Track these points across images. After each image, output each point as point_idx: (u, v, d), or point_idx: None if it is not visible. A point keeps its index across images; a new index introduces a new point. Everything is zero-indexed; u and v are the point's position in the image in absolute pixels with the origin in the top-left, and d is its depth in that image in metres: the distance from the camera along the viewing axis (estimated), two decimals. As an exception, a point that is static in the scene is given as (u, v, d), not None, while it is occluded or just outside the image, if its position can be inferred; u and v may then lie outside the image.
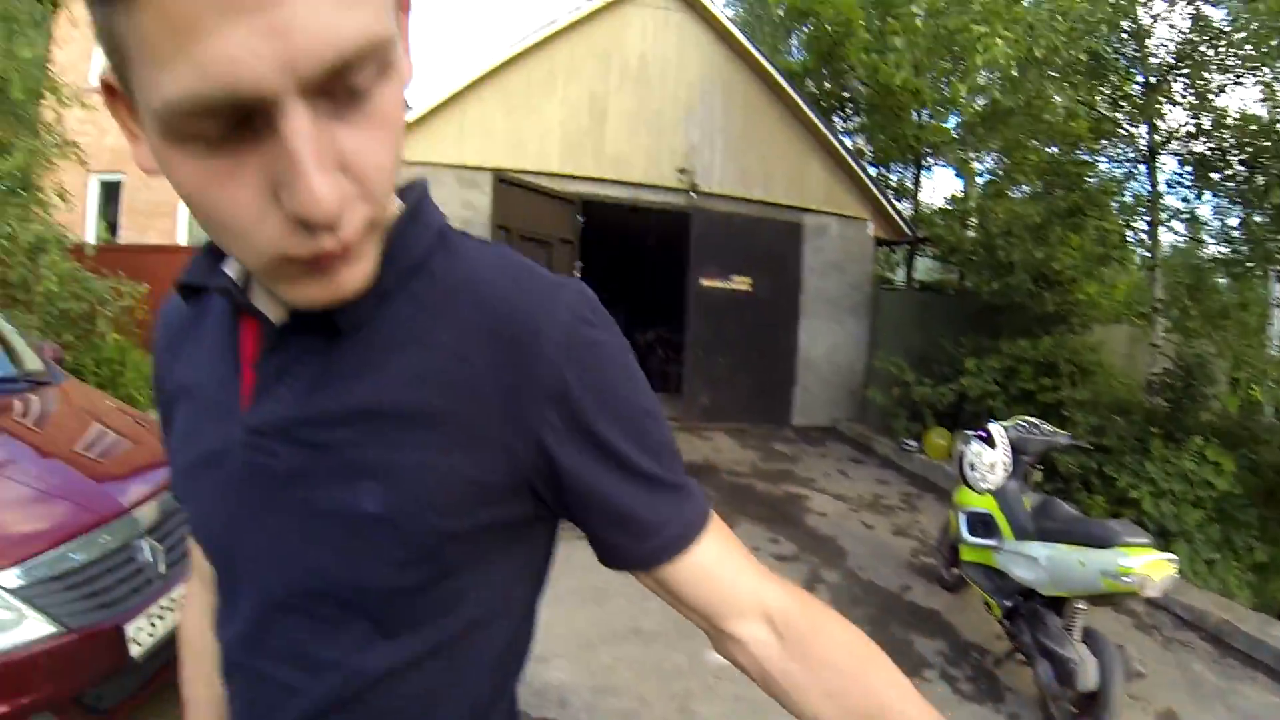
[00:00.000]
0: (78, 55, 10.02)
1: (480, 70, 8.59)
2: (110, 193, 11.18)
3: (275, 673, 0.63)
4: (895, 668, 0.65)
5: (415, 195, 0.63)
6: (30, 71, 6.26)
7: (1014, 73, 6.68)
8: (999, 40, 5.95)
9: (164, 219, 10.93)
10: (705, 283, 9.15)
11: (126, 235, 10.87)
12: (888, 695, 0.62)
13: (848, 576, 4.95)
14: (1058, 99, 6.68)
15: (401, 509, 0.56)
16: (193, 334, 0.69)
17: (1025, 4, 6.30)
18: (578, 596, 3.98)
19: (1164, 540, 5.21)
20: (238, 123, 0.42)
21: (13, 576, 1.97)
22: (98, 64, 10.30)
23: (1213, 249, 7.49)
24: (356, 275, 0.51)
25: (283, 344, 0.58)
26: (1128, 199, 7.83)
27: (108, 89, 0.50)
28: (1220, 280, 7.36)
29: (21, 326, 3.90)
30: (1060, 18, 6.02)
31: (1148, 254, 7.67)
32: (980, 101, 10.04)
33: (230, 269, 0.64)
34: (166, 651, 2.33)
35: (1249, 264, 6.80)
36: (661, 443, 0.63)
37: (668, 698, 3.36)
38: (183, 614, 0.88)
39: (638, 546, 0.63)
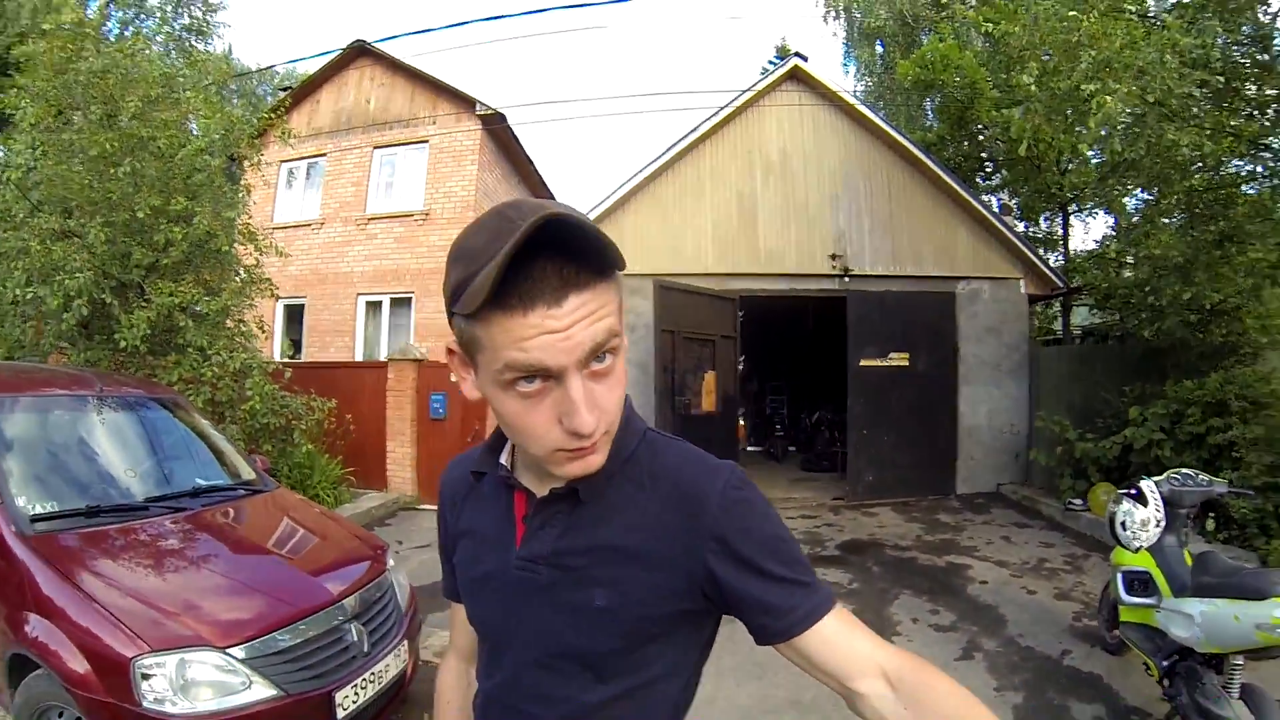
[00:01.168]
0: (262, 198, 11.99)
1: (633, 182, 9.93)
2: (292, 314, 13.05)
3: (525, 706, 1.06)
4: (994, 715, 0.91)
5: (626, 410, 1.02)
6: (231, 225, 7.81)
7: (1125, 124, 6.80)
8: (1109, 97, 6.14)
9: (343, 336, 12.67)
10: (864, 363, 10.03)
11: (309, 351, 12.64)
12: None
13: (1006, 644, 5.15)
14: (1181, 139, 6.67)
15: (619, 605, 0.99)
16: (473, 496, 1.15)
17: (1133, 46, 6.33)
18: (741, 672, 4.38)
19: None
20: (540, 378, 0.86)
21: (243, 650, 2.68)
22: (282, 206, 12.14)
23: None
24: (598, 460, 0.94)
25: (544, 508, 1.03)
26: None
27: (450, 352, 0.95)
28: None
29: (229, 439, 4.87)
30: (1169, 55, 6.11)
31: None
32: (1098, 156, 10.23)
33: (504, 460, 1.10)
34: (367, 715, 3.07)
35: None
36: (792, 556, 1.01)
37: None
38: (440, 672, 1.36)
39: (777, 624, 0.98)
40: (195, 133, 7.48)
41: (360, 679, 3.03)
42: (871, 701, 0.97)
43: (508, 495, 1.09)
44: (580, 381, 0.86)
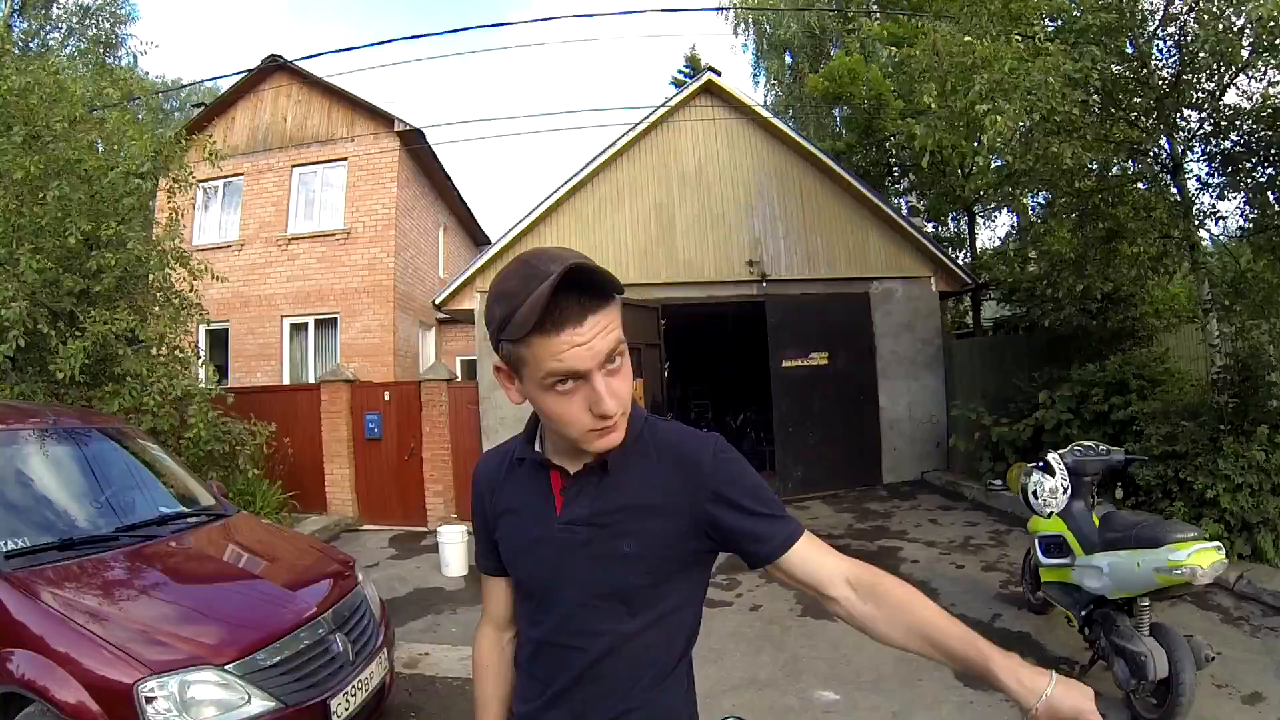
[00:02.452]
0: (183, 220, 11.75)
1: (553, 198, 10.17)
2: (217, 339, 12.74)
3: (571, 642, 1.31)
4: (934, 604, 1.26)
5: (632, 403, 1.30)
6: (164, 251, 7.65)
7: (1015, 138, 7.28)
8: (999, 117, 6.60)
9: (269, 360, 12.56)
10: (786, 364, 10.46)
11: (235, 376, 12.40)
12: (930, 615, 1.23)
13: None
14: (1064, 152, 7.01)
15: (643, 549, 1.27)
16: (510, 480, 1.40)
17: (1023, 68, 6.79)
18: (698, 659, 4.95)
19: (1248, 533, 5.83)
20: (573, 379, 1.13)
21: (239, 666, 2.79)
22: (200, 227, 11.77)
23: (1250, 238, 7.87)
24: (618, 436, 1.22)
25: (578, 480, 1.30)
26: (1160, 215, 8.07)
27: (498, 369, 1.23)
28: (1262, 267, 7.61)
29: (182, 467, 4.82)
30: (1052, 77, 6.59)
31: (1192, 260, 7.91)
32: (996, 164, 10.88)
33: (538, 447, 1.37)
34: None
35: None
36: (769, 498, 1.32)
37: None
38: (476, 641, 1.56)
39: (764, 549, 1.29)
40: (121, 155, 7.29)
41: (350, 686, 3.17)
42: (841, 603, 1.29)
43: (544, 475, 1.35)
44: (601, 378, 1.14)
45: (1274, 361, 6.58)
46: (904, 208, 15.04)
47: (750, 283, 10.44)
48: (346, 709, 3.11)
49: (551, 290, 1.05)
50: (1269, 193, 7.43)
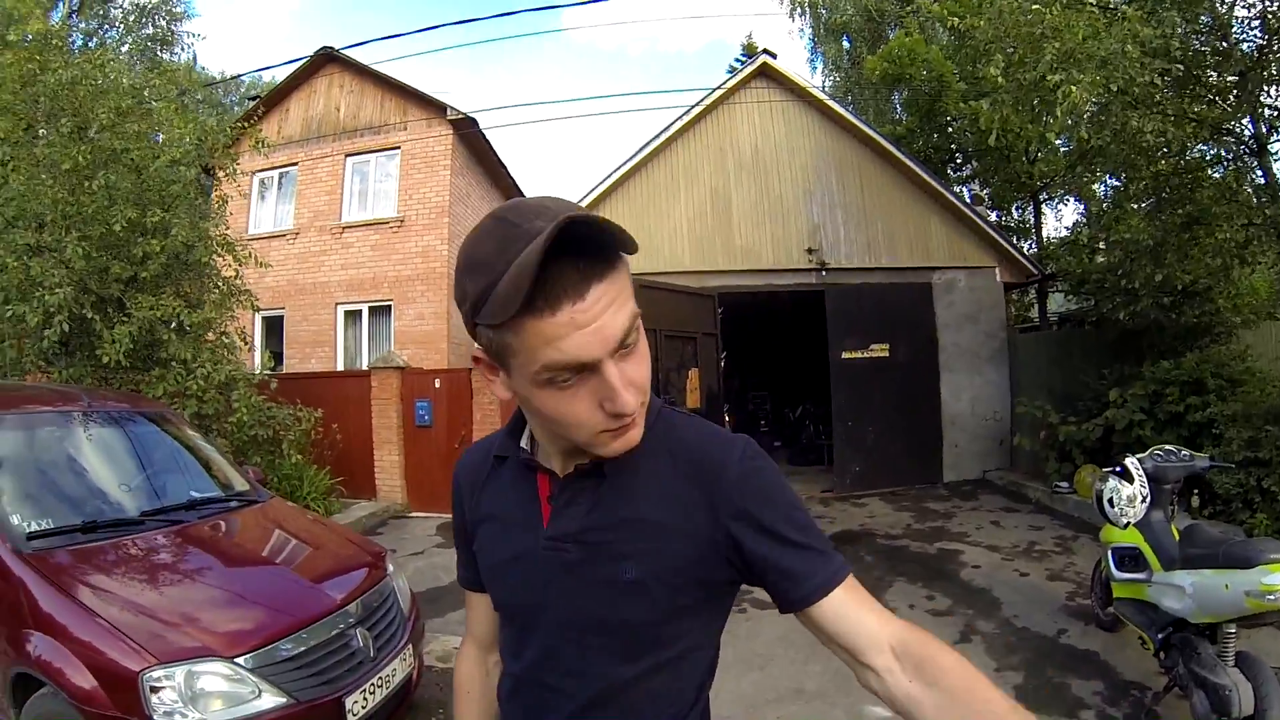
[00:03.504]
0: (237, 209, 11.88)
1: (606, 183, 10.00)
2: (271, 326, 12.95)
3: (555, 683, 1.08)
4: (1001, 693, 0.91)
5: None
6: (209, 237, 7.75)
7: (1091, 112, 6.97)
8: (1074, 88, 6.25)
9: (323, 346, 12.61)
10: (845, 355, 10.16)
11: (290, 363, 12.57)
12: (996, 710, 0.88)
13: (1002, 625, 5.22)
14: (1145, 126, 6.59)
15: (649, 576, 1.01)
16: (492, 481, 1.18)
17: (1095, 37, 6.43)
18: (743, 664, 4.43)
19: None
20: (578, 371, 0.88)
21: (250, 659, 2.68)
22: (256, 217, 12.03)
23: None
24: (638, 434, 0.98)
25: (569, 486, 1.06)
26: (1246, 197, 7.69)
27: (477, 360, 0.98)
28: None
29: (220, 451, 4.82)
30: (1130, 45, 6.21)
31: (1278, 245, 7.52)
32: (1064, 147, 10.41)
33: (524, 443, 1.14)
34: (377, 718, 3.07)
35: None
36: (806, 524, 1.04)
37: None
38: (458, 662, 1.37)
39: (797, 589, 1.01)
40: (167, 144, 7.33)
41: (369, 684, 3.03)
42: (881, 676, 0.98)
43: (531, 477, 1.11)
44: (615, 366, 0.90)
45: None
46: (967, 195, 14.50)
47: (809, 271, 10.20)
48: (363, 707, 2.99)
49: (542, 254, 0.79)
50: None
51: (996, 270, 10.71)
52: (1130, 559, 4.09)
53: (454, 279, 0.93)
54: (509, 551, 1.12)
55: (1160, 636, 3.75)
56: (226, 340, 7.92)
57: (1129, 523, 4.00)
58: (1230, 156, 7.75)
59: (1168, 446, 4.33)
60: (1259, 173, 7.48)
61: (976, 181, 15.25)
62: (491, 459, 1.18)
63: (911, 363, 10.30)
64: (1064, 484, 6.37)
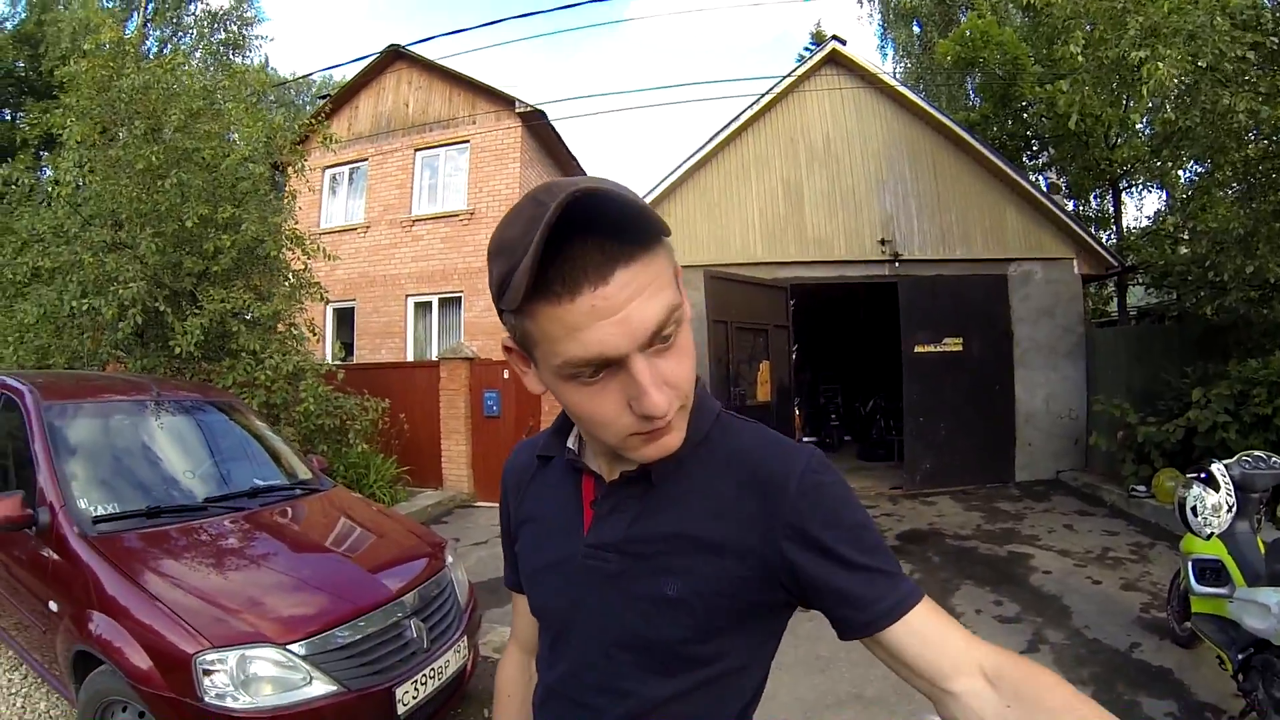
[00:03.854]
0: (308, 205, 12.20)
1: (676, 174, 9.94)
2: (342, 317, 13.33)
3: (587, 699, 1.02)
4: (1106, 712, 0.82)
5: (698, 389, 0.98)
6: (279, 231, 7.98)
7: (1177, 91, 6.63)
8: (1160, 64, 6.03)
9: (393, 337, 12.86)
10: (918, 349, 9.94)
11: (360, 353, 12.88)
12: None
13: (1072, 636, 5.06)
14: (1237, 104, 6.29)
15: (692, 594, 0.94)
16: (537, 482, 1.12)
17: (1180, 10, 6.16)
18: (803, 666, 4.33)
19: None
20: (604, 367, 0.81)
21: (303, 647, 2.70)
22: (327, 211, 12.38)
23: None
24: (675, 440, 0.90)
25: (613, 492, 1.00)
26: None
27: (508, 349, 0.92)
28: None
29: (285, 440, 4.94)
30: (1219, 17, 6.00)
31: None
32: (1148, 129, 9.97)
33: (571, 443, 1.07)
34: (426, 710, 3.08)
35: None
36: (874, 544, 0.94)
37: None
38: (501, 665, 1.33)
39: (860, 616, 0.91)
40: (238, 143, 7.62)
41: (420, 675, 3.05)
42: (968, 701, 0.89)
43: (575, 479, 1.06)
44: (645, 362, 0.82)
45: None
46: (1043, 184, 14.11)
47: (882, 262, 9.98)
48: (415, 697, 3.00)
49: (548, 230, 0.72)
50: None
51: (1074, 262, 10.32)
52: (1212, 572, 3.87)
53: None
54: (548, 557, 1.07)
55: (1240, 657, 3.54)
56: (295, 331, 8.17)
57: (1212, 533, 3.80)
58: None
59: (1257, 453, 4.07)
60: None
61: (1053, 169, 14.76)
62: (536, 458, 1.13)
63: (985, 357, 10.02)
64: (1141, 488, 6.09)
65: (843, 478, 1.00)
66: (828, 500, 0.94)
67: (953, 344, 9.96)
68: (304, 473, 4.37)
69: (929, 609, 0.94)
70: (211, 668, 2.56)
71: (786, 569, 0.93)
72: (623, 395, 0.83)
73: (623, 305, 0.78)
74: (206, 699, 2.53)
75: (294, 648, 2.70)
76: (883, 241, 9.91)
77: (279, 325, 7.99)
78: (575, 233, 0.75)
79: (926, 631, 0.92)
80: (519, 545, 1.15)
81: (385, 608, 3.08)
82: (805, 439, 14.08)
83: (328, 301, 10.36)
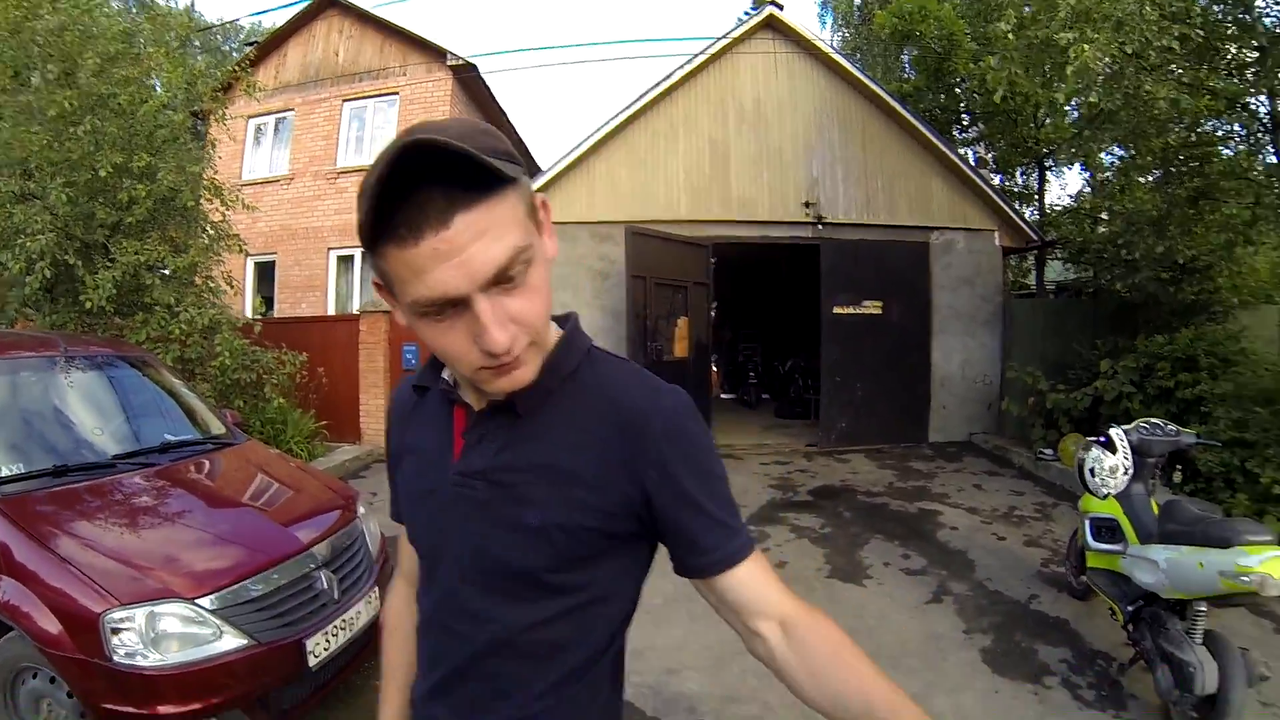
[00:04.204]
0: (230, 155, 11.82)
1: (605, 129, 9.88)
2: (263, 271, 13.00)
3: (456, 626, 1.06)
4: (872, 665, 0.96)
5: (570, 325, 1.07)
6: (197, 181, 7.74)
7: (1103, 75, 6.76)
8: (1085, 47, 6.12)
9: (314, 292, 12.63)
10: (837, 311, 10.11)
11: (281, 308, 12.62)
12: (857, 681, 0.94)
13: (975, 588, 5.26)
14: (1158, 93, 6.50)
15: (553, 525, 0.98)
16: (417, 413, 1.15)
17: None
18: (712, 617, 4.78)
19: None
20: (450, 306, 0.85)
21: (212, 601, 2.69)
22: (250, 162, 12.05)
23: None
24: (524, 374, 0.94)
25: (481, 422, 1.03)
26: (1257, 175, 7.68)
27: (377, 285, 0.94)
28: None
29: (199, 395, 4.84)
30: (1148, 7, 6.09)
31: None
32: (1074, 114, 10.27)
33: (447, 375, 1.10)
34: (338, 662, 3.09)
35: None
36: (724, 496, 1.03)
37: (790, 704, 3.93)
38: (387, 600, 1.36)
39: (698, 560, 1.02)
40: (157, 89, 7.38)
41: (331, 626, 3.04)
42: (767, 641, 1.02)
43: (449, 410, 1.09)
44: (488, 302, 0.85)
45: None
46: (971, 158, 14.37)
47: (805, 224, 10.09)
48: (326, 649, 3.00)
49: (384, 174, 0.77)
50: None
51: (996, 234, 10.59)
52: (1107, 530, 4.08)
53: None
54: (423, 486, 1.11)
55: (1130, 609, 3.76)
56: (212, 285, 7.98)
57: (1109, 494, 3.98)
58: (1244, 134, 7.71)
59: (1154, 420, 4.29)
60: (1271, 151, 7.40)
61: (982, 144, 15.10)
62: (413, 389, 1.16)
63: (904, 322, 10.25)
64: (1048, 451, 6.29)
65: (706, 427, 1.06)
66: (690, 446, 1.01)
67: (872, 307, 10.15)
68: (217, 428, 4.29)
69: (755, 563, 1.03)
70: (120, 626, 2.53)
71: (644, 503, 0.99)
72: (468, 332, 0.87)
73: (464, 248, 0.81)
74: (116, 658, 2.51)
75: (203, 602, 2.67)
76: (807, 204, 10.00)
77: (196, 278, 7.78)
78: (423, 179, 0.79)
79: (748, 582, 1.02)
80: (400, 476, 1.18)
81: (296, 559, 3.06)
82: (724, 396, 14.29)
83: (248, 255, 10.15)
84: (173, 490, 3.40)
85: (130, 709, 2.53)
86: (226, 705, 2.66)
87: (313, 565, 3.11)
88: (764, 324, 15.39)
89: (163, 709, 2.55)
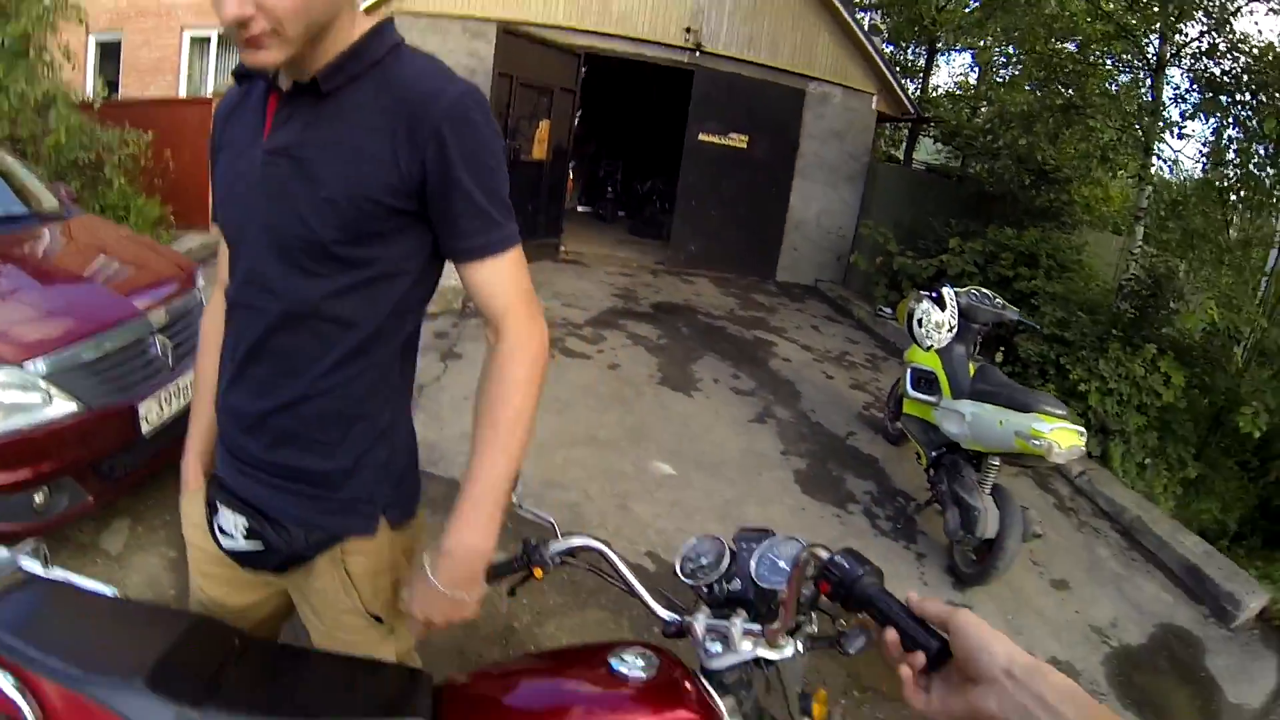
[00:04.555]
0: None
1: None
2: (108, 52, 11.86)
3: (253, 301, 1.15)
4: (500, 429, 1.15)
5: (384, 24, 1.13)
6: None
7: None
8: None
9: (165, 75, 11.62)
10: (703, 137, 10.10)
11: (126, 92, 11.49)
12: (479, 433, 1.15)
13: (798, 416, 5.58)
14: None
15: (342, 198, 1.06)
16: (238, 110, 1.20)
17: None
18: (541, 407, 4.97)
19: (1104, 437, 5.77)
20: None
21: (41, 365, 2.54)
22: None
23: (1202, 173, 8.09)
24: (266, 56, 0.99)
25: (290, 101, 1.10)
26: (1130, 106, 8.08)
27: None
28: (1200, 204, 7.92)
29: (29, 169, 4.60)
30: None
31: (1142, 163, 8.04)
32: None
33: None
34: (172, 431, 2.96)
35: (1238, 190, 7.44)
36: (495, 192, 1.12)
37: (610, 495, 3.98)
38: (204, 314, 1.47)
39: (455, 244, 1.13)
40: None
41: (164, 392, 2.95)
42: (486, 345, 1.18)
43: (266, 97, 1.14)
44: None
45: (1181, 291, 6.61)
46: (866, 21, 14.32)
47: (683, 49, 9.83)
48: (159, 415, 2.92)
49: None
50: (1234, 128, 7.50)
51: (874, 98, 10.63)
52: (925, 381, 4.39)
53: None
54: (235, 170, 1.17)
55: (934, 455, 4.11)
56: (47, 58, 7.28)
57: (932, 346, 4.25)
58: (1129, 65, 8.15)
59: (985, 291, 4.61)
60: (1148, 89, 7.86)
61: (879, 12, 15.07)
62: (237, 80, 1.21)
63: (768, 161, 10.33)
64: (887, 310, 6.56)
65: (495, 125, 1.14)
66: (470, 133, 1.08)
67: (738, 140, 10.17)
68: (50, 201, 3.98)
69: (505, 266, 1.15)
70: None
71: (421, 181, 1.08)
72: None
73: None
74: None
75: (31, 366, 2.52)
76: (688, 30, 9.72)
77: (28, 50, 7.02)
78: None
79: (491, 280, 1.14)
80: (217, 171, 1.23)
81: (130, 324, 2.91)
82: (580, 208, 14.38)
83: (89, 31, 9.28)
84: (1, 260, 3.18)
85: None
86: (57, 473, 2.59)
87: (147, 331, 2.98)
88: (629, 144, 15.19)
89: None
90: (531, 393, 1.16)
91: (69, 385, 2.60)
